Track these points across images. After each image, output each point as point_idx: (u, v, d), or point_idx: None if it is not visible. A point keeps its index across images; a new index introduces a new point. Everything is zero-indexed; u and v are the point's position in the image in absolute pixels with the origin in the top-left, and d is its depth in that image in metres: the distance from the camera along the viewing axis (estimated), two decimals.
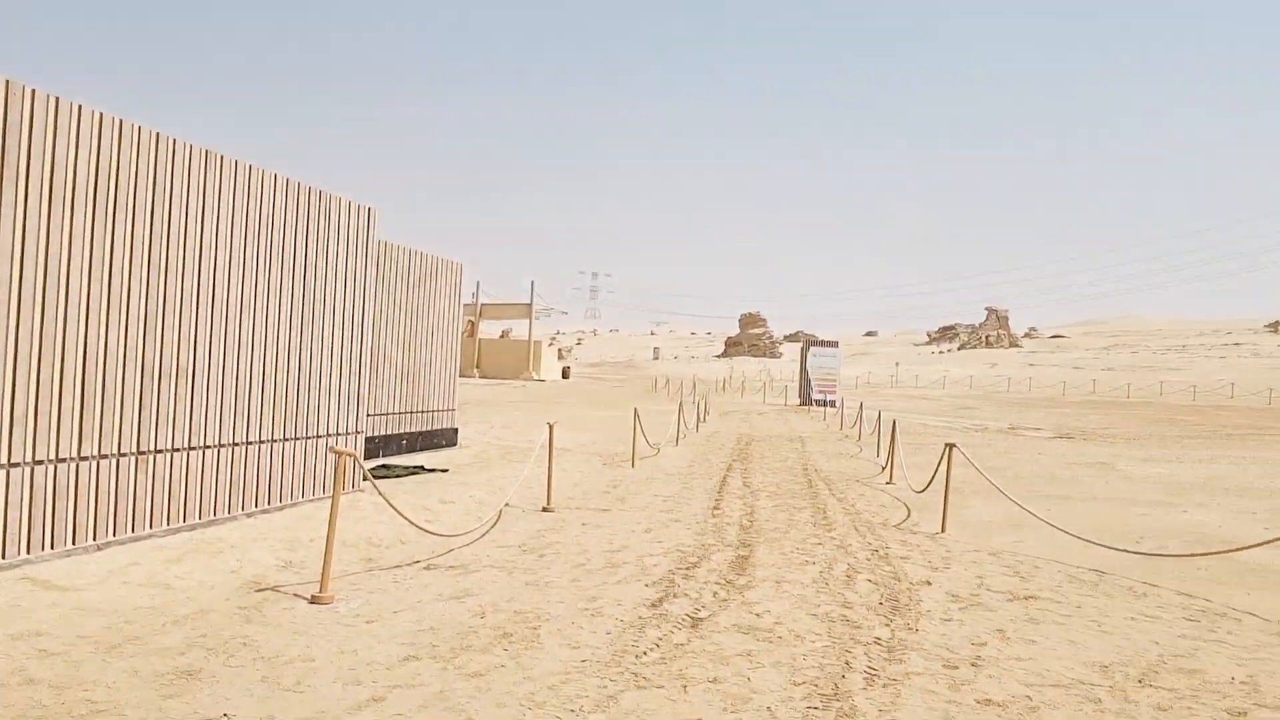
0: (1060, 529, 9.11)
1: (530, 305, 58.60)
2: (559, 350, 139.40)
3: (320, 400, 9.86)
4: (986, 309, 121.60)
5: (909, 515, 10.82)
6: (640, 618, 5.98)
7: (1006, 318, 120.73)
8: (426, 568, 7.41)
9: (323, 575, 6.24)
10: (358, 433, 10.55)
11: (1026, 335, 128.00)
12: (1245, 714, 4.65)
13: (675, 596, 6.54)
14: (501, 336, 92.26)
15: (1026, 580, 7.49)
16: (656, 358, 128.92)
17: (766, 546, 8.49)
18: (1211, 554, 8.15)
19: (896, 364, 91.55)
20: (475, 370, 57.96)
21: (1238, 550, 8.00)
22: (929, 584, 7.18)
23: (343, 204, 10.19)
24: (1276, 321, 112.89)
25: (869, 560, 7.99)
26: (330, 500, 7.14)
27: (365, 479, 10.34)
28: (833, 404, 38.93)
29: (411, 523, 7.55)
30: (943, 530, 9.69)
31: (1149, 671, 5.24)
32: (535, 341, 58.35)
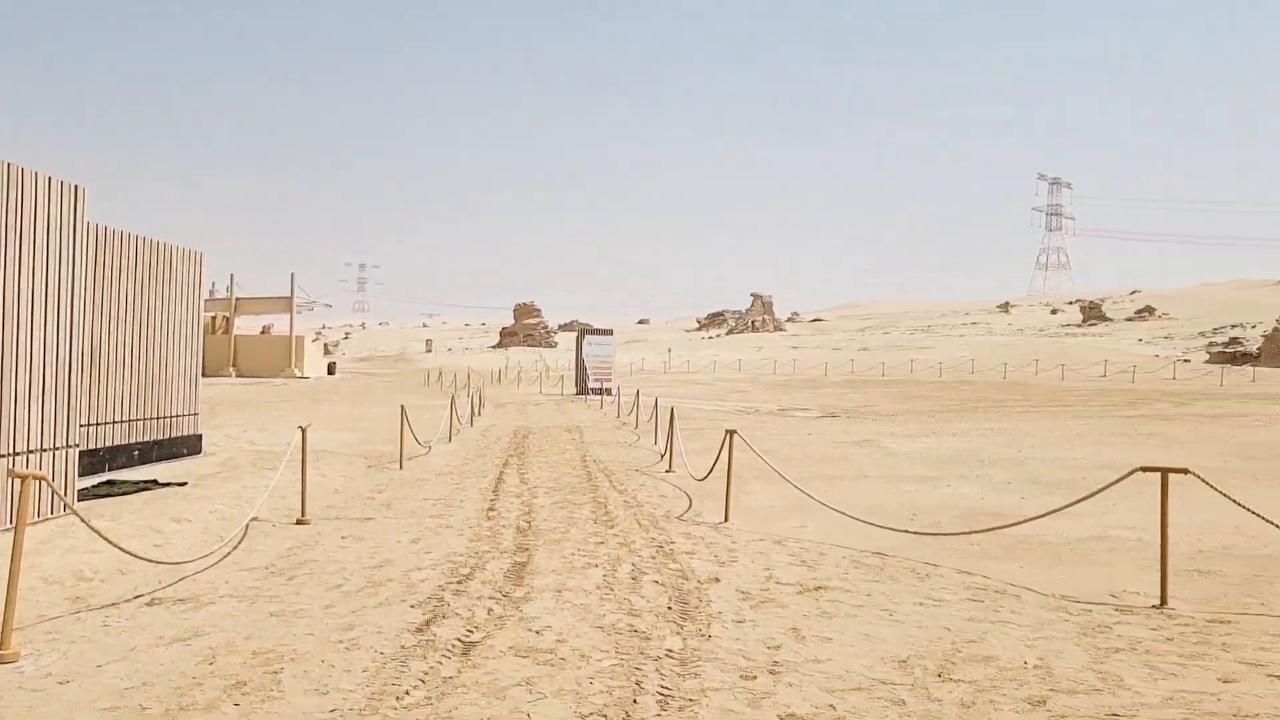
0: (841, 512, 9.02)
1: (291, 299, 55.36)
2: (325, 345, 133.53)
3: (13, 410, 8.39)
4: (752, 295, 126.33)
5: (691, 505, 10.52)
6: (403, 648, 5.23)
7: (771, 303, 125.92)
8: (149, 603, 6.33)
9: (1, 626, 5.09)
10: (69, 446, 9.12)
11: (789, 320, 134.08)
12: (1044, 702, 4.47)
13: (445, 617, 5.82)
14: (262, 332, 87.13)
15: (814, 569, 7.26)
16: (429, 350, 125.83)
17: (546, 550, 7.89)
18: (983, 531, 8.24)
19: (669, 350, 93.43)
20: (231, 369, 54.24)
21: (1008, 526, 8.11)
22: (718, 581, 6.80)
23: (41, 180, 8.73)
24: (1006, 303, 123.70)
25: (654, 558, 7.55)
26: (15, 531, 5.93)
27: (71, 501, 8.96)
28: (609, 392, 38.91)
29: (124, 550, 6.43)
30: (726, 519, 9.43)
31: (946, 663, 5.01)
32: (297, 337, 55.24)
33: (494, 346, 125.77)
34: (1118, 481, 7.12)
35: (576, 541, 8.26)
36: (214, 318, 59.32)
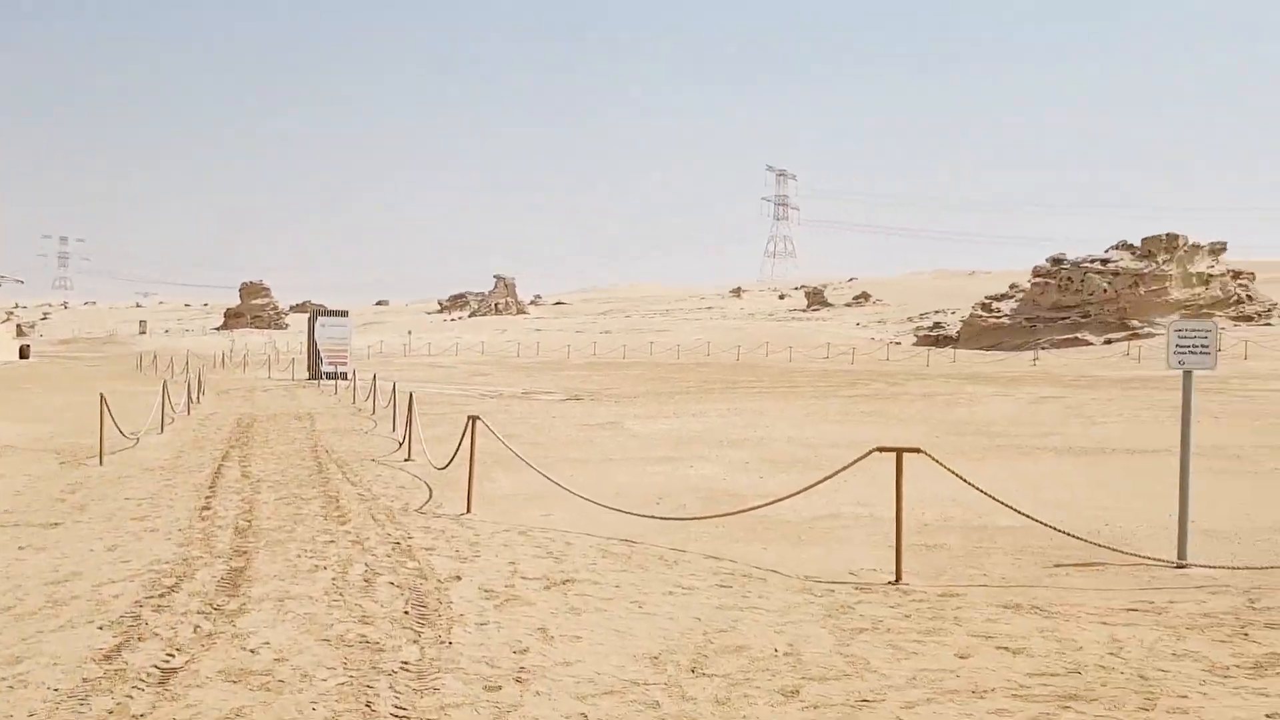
0: (586, 499, 8.78)
1: None
2: (18, 326, 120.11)
3: None
4: (495, 277, 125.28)
5: (431, 496, 9.98)
6: (85, 681, 4.44)
7: (514, 285, 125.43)
8: None
9: None
10: None
11: (533, 302, 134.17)
12: (797, 692, 4.37)
13: (141, 640, 5.03)
14: None
15: (560, 560, 6.96)
16: (144, 332, 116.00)
17: (268, 552, 7.13)
18: (728, 515, 8.25)
19: (409, 333, 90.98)
20: None
21: (751, 509, 8.17)
22: (459, 579, 6.35)
23: None
24: (738, 288, 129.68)
25: (390, 557, 6.98)
26: None
27: None
28: (345, 376, 37.16)
29: None
30: (468, 510, 8.96)
31: (699, 656, 4.83)
32: None
33: (218, 328, 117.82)
34: (857, 461, 7.27)
35: (303, 541, 7.53)
36: None
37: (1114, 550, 7.16)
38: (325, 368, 37.92)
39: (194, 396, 23.98)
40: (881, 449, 6.83)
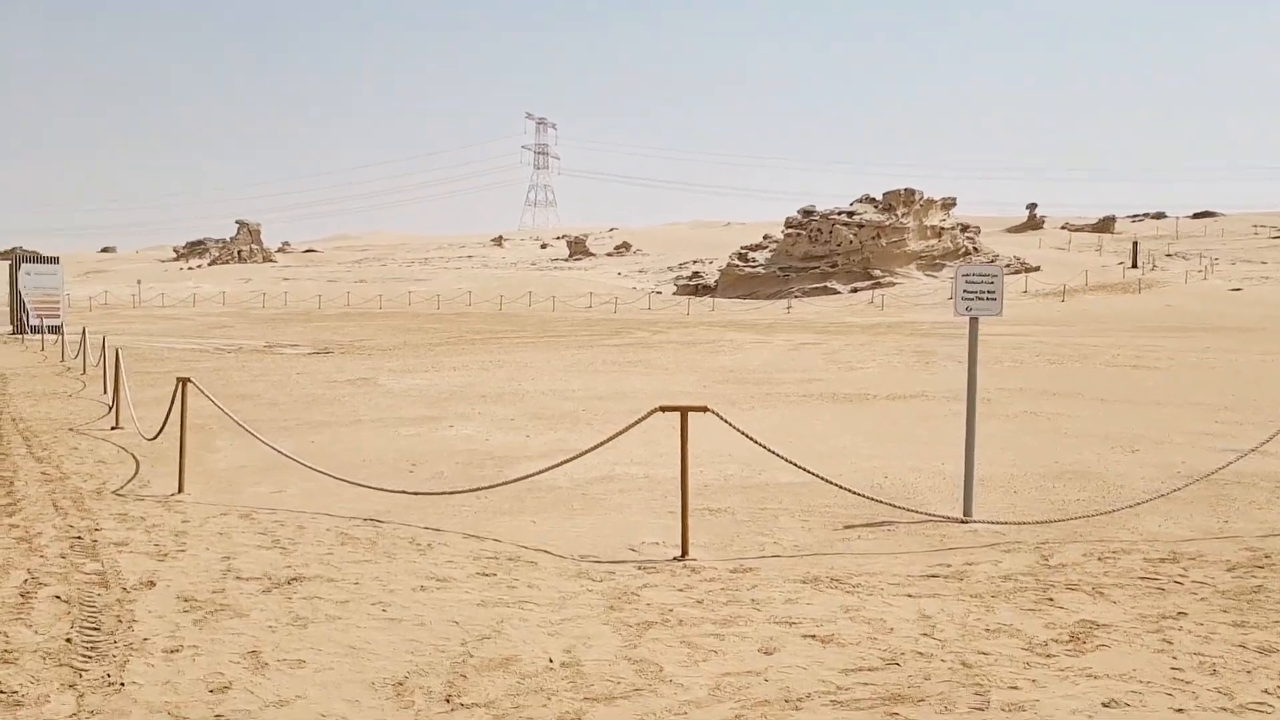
0: (323, 472, 7.54)
1: None
2: None
3: None
4: (238, 223, 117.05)
5: (137, 472, 8.40)
6: None
7: (259, 232, 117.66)
8: None
9: None
10: None
11: (280, 250, 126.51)
12: (581, 717, 3.51)
13: None
14: None
15: (288, 551, 5.77)
16: None
17: None
18: (490, 487, 7.29)
19: (139, 281, 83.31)
20: None
21: (516, 481, 7.25)
22: (153, 585, 5.05)
23: None
24: (500, 236, 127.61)
25: (65, 557, 5.55)
26: None
27: None
28: (57, 330, 33.08)
29: None
30: (180, 490, 7.51)
31: (456, 677, 3.87)
32: None
33: None
34: (640, 421, 6.47)
35: None
36: None
37: (900, 509, 6.77)
38: (33, 321, 33.60)
39: None
40: (665, 408, 6.04)
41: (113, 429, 10.95)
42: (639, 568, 5.51)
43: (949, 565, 5.59)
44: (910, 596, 4.98)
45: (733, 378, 17.94)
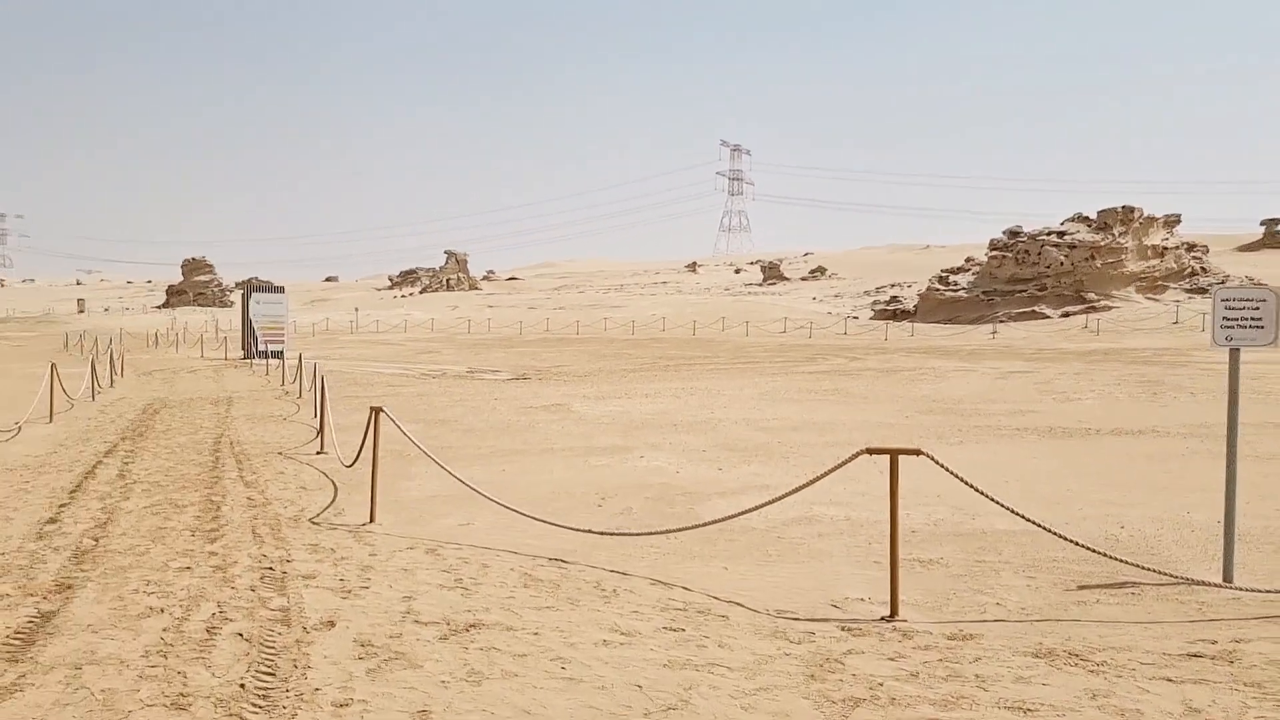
0: (511, 509, 7.34)
1: None
2: None
3: None
4: (446, 253, 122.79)
5: (334, 499, 8.50)
6: None
7: (466, 261, 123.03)
8: None
9: None
10: None
11: (485, 278, 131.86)
12: None
13: None
14: None
15: (470, 592, 5.54)
16: (82, 310, 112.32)
17: (99, 586, 5.63)
18: (685, 530, 6.89)
19: (356, 309, 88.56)
20: None
21: (705, 525, 6.81)
22: (333, 625, 4.91)
23: None
24: (694, 262, 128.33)
25: (255, 590, 5.52)
26: None
27: None
28: (282, 355, 35.32)
29: None
30: (372, 520, 7.50)
31: None
32: None
33: (160, 306, 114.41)
34: (844, 464, 5.90)
35: (154, 567, 6.04)
36: None
37: (1144, 569, 5.88)
38: (262, 346, 36.03)
39: (107, 379, 22.17)
40: (873, 450, 5.46)
41: (318, 453, 11.26)
42: (843, 628, 4.95)
43: (1213, 642, 4.74)
44: (1170, 681, 4.20)
45: (936, 408, 16.92)
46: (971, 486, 5.66)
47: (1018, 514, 5.89)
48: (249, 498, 8.43)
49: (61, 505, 8.03)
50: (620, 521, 7.54)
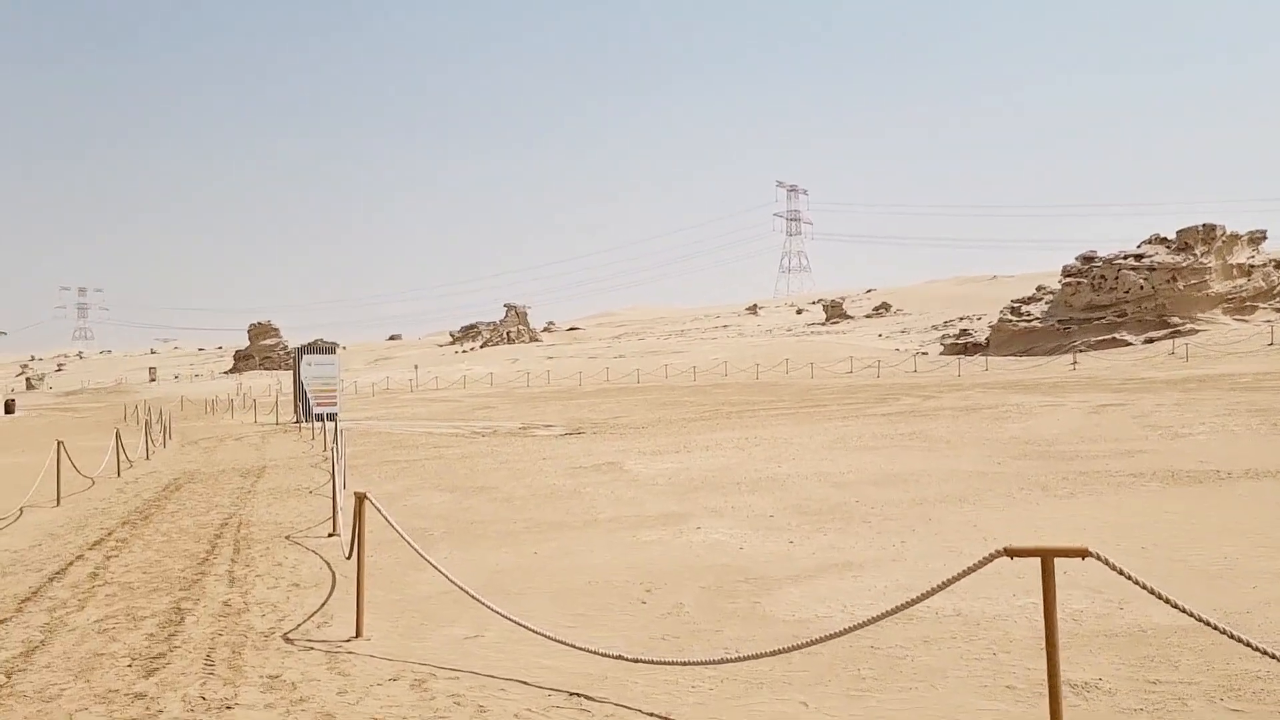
0: (526, 626, 5.80)
1: None
2: (28, 379, 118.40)
3: None
4: (506, 306, 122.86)
5: (327, 600, 7.08)
6: None
7: (526, 314, 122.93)
8: None
9: None
10: None
11: (545, 330, 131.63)
12: None
13: None
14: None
15: None
16: (153, 379, 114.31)
17: None
18: (751, 659, 5.31)
19: (416, 366, 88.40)
20: None
21: (774, 654, 5.23)
22: None
23: None
24: (754, 304, 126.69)
25: None
26: None
27: None
28: (334, 418, 34.42)
29: None
30: (358, 634, 6.05)
31: None
32: None
33: (227, 372, 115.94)
34: (976, 569, 4.28)
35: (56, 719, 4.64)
36: None
37: None
38: (315, 409, 35.15)
39: (144, 451, 21.25)
40: (1011, 551, 3.84)
41: (329, 536, 9.90)
42: None
43: None
44: None
45: (1031, 451, 15.09)
46: (1152, 592, 4.00)
47: (1205, 622, 4.21)
48: (226, 602, 7.05)
49: (0, 621, 6.71)
50: (668, 625, 6.00)
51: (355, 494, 6.42)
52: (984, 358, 58.83)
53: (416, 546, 6.11)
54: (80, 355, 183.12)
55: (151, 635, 6.15)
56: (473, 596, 5.79)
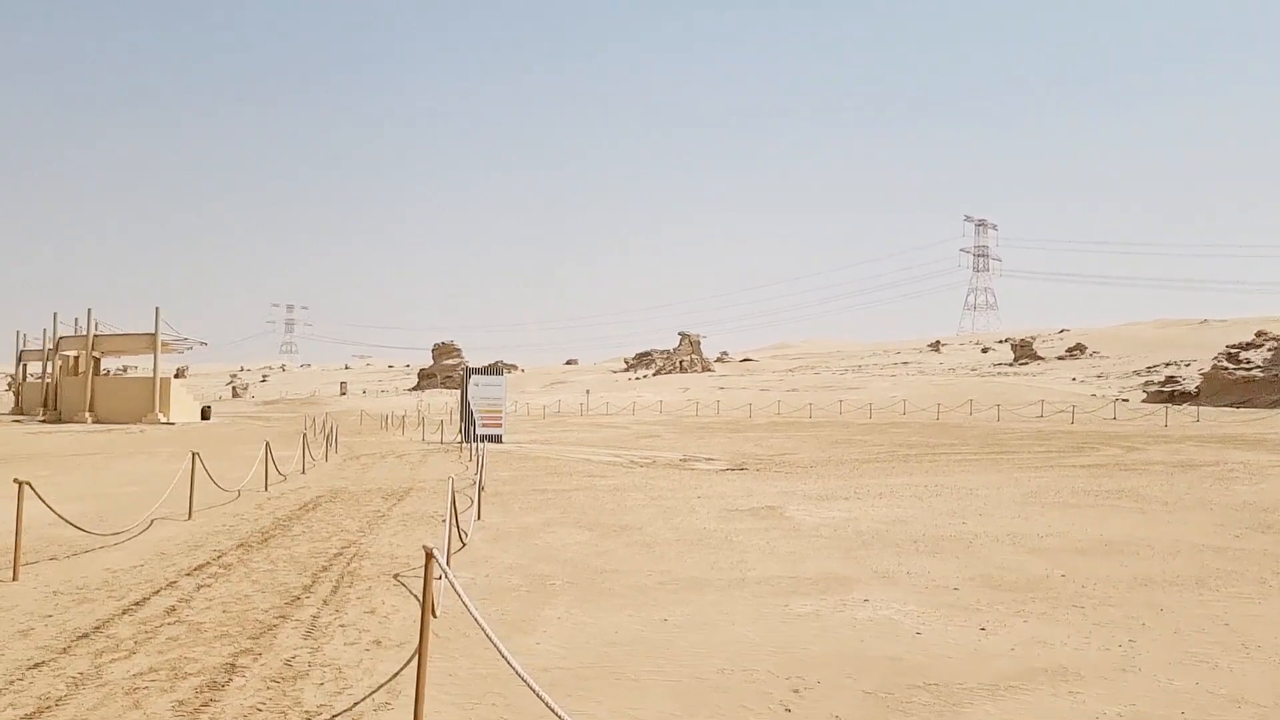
0: None
1: (155, 336, 49.39)
2: (234, 388, 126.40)
3: None
4: (680, 334, 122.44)
5: (403, 667, 5.89)
6: None
7: (699, 343, 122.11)
8: None
9: None
10: None
11: (719, 359, 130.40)
12: None
13: None
14: (177, 375, 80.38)
15: None
16: (343, 393, 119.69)
17: None
18: None
19: (587, 392, 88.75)
20: (87, 414, 48.34)
21: None
22: None
23: None
24: (937, 341, 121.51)
25: None
26: None
27: None
28: (498, 439, 34.11)
29: None
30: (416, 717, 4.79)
31: None
32: (162, 379, 49.30)
33: (411, 389, 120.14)
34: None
35: None
36: (75, 357, 53.39)
37: None
38: (481, 430, 34.95)
39: (301, 465, 21.13)
40: None
41: (438, 579, 8.80)
42: None
43: None
44: None
45: (1274, 521, 12.59)
46: None
47: None
48: (289, 661, 5.96)
49: (35, 665, 5.83)
50: None
51: (424, 549, 5.19)
52: (1195, 407, 53.58)
53: (486, 628, 4.76)
54: (283, 368, 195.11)
55: (181, 704, 5.09)
56: (546, 704, 4.42)
